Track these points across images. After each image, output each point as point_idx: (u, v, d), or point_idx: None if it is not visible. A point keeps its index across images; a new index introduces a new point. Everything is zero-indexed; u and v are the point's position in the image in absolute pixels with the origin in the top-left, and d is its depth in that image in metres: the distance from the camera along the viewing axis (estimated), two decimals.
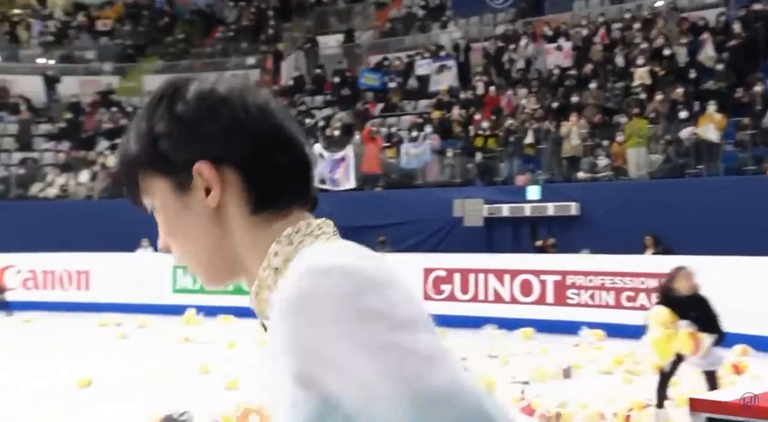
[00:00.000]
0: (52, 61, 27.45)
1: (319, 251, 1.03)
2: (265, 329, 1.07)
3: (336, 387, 0.92)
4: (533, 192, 16.32)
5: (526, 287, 13.87)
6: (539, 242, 14.70)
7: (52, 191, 21.86)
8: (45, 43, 28.27)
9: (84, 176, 21.99)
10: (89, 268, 18.21)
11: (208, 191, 1.08)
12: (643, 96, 17.07)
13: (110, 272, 17.85)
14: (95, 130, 24.22)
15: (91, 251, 18.12)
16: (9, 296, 16.68)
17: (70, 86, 26.15)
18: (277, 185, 1.11)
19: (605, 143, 16.68)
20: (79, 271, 18.30)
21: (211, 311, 15.08)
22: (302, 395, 0.95)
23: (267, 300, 1.06)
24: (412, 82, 22.06)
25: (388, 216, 17.52)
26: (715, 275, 12.08)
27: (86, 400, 8.07)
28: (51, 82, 26.25)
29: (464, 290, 14.47)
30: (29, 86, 26.00)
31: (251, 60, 26.27)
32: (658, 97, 16.58)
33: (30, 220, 20.10)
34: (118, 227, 19.33)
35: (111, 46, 28.19)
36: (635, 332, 12.22)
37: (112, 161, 21.83)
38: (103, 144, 23.31)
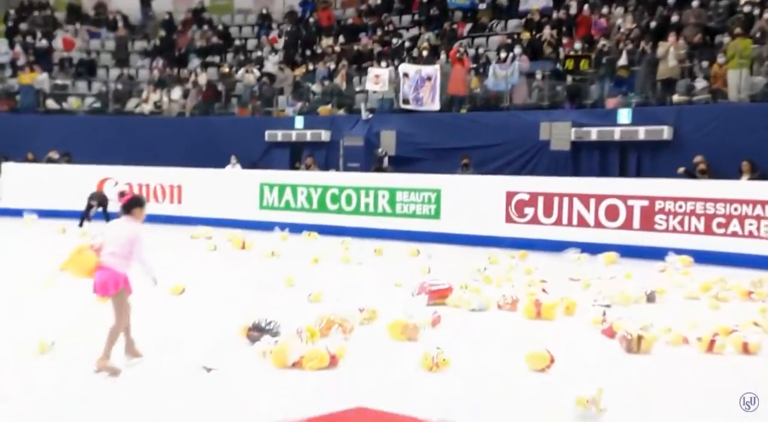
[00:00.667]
0: None
1: None
2: None
3: None
4: (624, 115, 15.83)
5: (611, 212, 13.58)
6: (681, 169, 13.97)
7: (147, 107, 22.35)
8: None
9: (176, 92, 22.37)
10: (181, 182, 18.67)
11: None
12: (749, 14, 16.21)
13: (201, 187, 18.28)
14: (188, 47, 24.50)
15: (183, 166, 18.56)
16: (110, 208, 17.22)
17: (164, 4, 26.42)
18: None
19: (704, 64, 15.98)
20: (171, 185, 18.79)
21: (296, 228, 15.33)
22: None
23: None
24: (502, 2, 21.44)
25: (473, 139, 17.32)
26: None
27: (178, 307, 8.33)
28: None
29: (547, 214, 14.27)
30: (126, 3, 26.41)
31: None
32: (766, 15, 15.71)
33: (126, 134, 20.70)
34: (209, 143, 19.76)
35: None
36: (725, 259, 11.97)
37: (203, 78, 22.12)
38: (195, 62, 23.60)
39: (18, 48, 24.08)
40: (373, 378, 5.75)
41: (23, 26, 25.19)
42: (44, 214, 17.52)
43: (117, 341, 5.88)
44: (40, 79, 22.68)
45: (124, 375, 5.63)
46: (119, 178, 19.00)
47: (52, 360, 5.98)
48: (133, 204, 6.52)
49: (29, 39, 24.56)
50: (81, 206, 17.27)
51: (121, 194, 6.82)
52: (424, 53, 19.68)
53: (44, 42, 24.44)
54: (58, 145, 20.37)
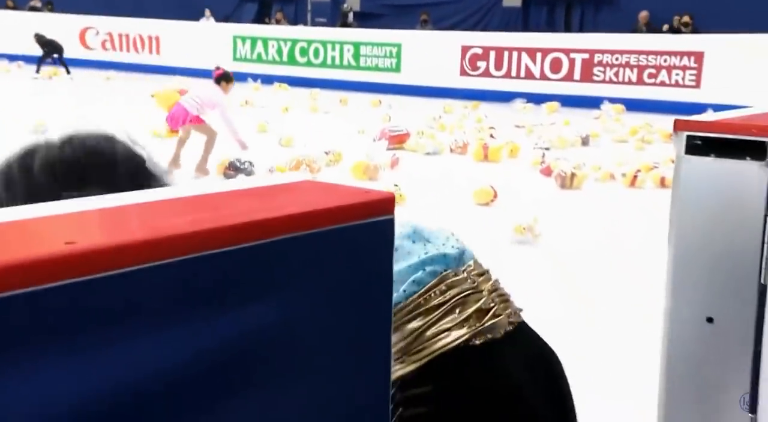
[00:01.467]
0: None
1: None
2: None
3: None
4: None
5: (555, 65, 13.57)
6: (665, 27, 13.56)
7: None
8: None
9: None
10: (159, 34, 18.11)
11: None
12: None
13: (178, 39, 17.77)
14: None
15: (161, 18, 17.96)
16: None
17: None
18: None
19: None
20: (150, 36, 18.23)
21: (267, 80, 15.11)
22: None
23: None
24: None
25: None
26: (734, 54, 11.75)
27: (160, 148, 8.34)
28: None
29: (498, 67, 14.22)
30: None
31: None
32: None
33: None
34: None
35: None
36: (653, 106, 12.15)
37: None
38: None
39: None
40: None
41: None
42: (28, 60, 16.99)
43: (211, 152, 6.87)
44: None
45: None
46: (100, 28, 18.37)
47: None
48: (222, 78, 7.23)
49: None
50: (66, 53, 16.70)
51: (216, 68, 7.19)
52: None
53: None
54: None
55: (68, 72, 16.07)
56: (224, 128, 7.15)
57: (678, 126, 1.25)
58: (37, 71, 15.91)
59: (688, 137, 1.25)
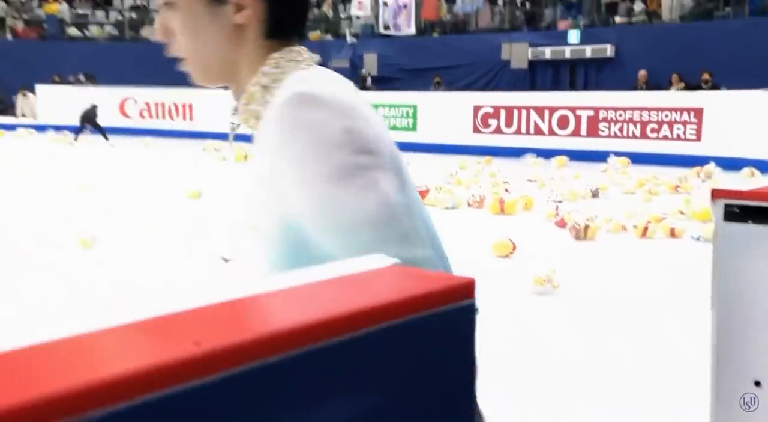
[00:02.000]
0: None
1: (302, 76, 1.05)
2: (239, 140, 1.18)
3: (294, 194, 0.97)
4: (573, 36, 15.70)
5: (562, 121, 13.63)
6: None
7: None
8: None
9: None
10: (193, 102, 18.42)
11: (237, 8, 1.07)
12: None
13: (209, 106, 18.04)
14: None
15: (194, 87, 18.24)
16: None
17: None
18: (288, 18, 1.11)
19: None
20: (184, 104, 18.55)
21: None
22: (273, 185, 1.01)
23: (253, 111, 1.08)
24: None
25: (444, 59, 17.14)
26: (731, 110, 11.75)
27: (195, 208, 8.38)
28: None
29: (508, 124, 14.30)
30: None
31: None
32: None
33: (142, 58, 20.25)
34: None
35: None
36: (657, 159, 12.13)
37: None
38: None
39: None
40: None
41: None
42: (73, 129, 17.31)
43: None
44: (63, 9, 21.99)
45: (155, 263, 5.73)
46: (138, 98, 18.72)
47: (94, 254, 6.06)
48: None
49: None
50: (108, 121, 17.01)
51: None
52: None
53: None
54: (82, 69, 19.94)
55: (106, 139, 16.33)
56: None
57: (715, 195, 1.23)
58: (75, 139, 16.17)
59: (726, 205, 1.22)
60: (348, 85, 1.09)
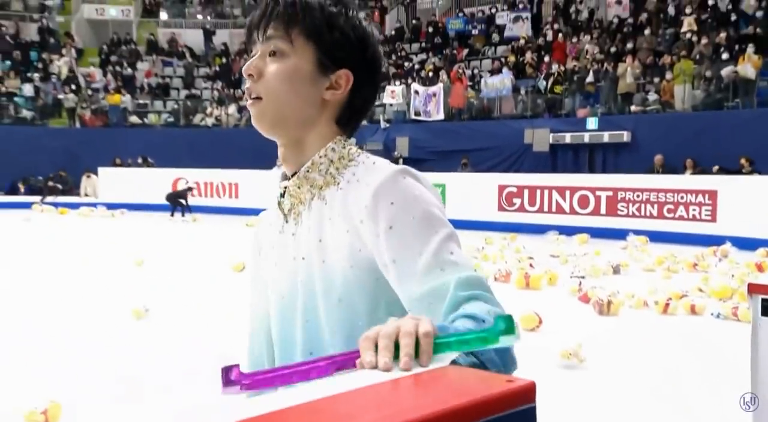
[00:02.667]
0: (209, 17, 27.78)
1: (382, 160, 1.13)
2: (283, 210, 1.19)
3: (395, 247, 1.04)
4: (591, 123, 15.80)
5: (583, 201, 13.57)
6: (715, 168, 13.14)
7: (210, 121, 22.42)
8: (204, 3, 28.57)
9: (233, 108, 22.43)
10: (238, 181, 18.76)
11: (331, 86, 1.14)
12: (690, 40, 16.11)
13: (254, 185, 18.35)
14: (240, 72, 24.48)
15: (239, 169, 18.65)
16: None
17: (222, 37, 26.49)
18: (359, 111, 1.19)
19: (656, 80, 15.90)
20: (230, 183, 18.89)
21: None
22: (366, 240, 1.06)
23: (311, 178, 1.13)
24: (493, 31, 21.38)
25: (471, 142, 17.30)
26: (745, 192, 11.61)
27: (240, 282, 8.40)
28: (208, 34, 26.64)
29: (531, 203, 14.27)
30: (192, 38, 26.48)
31: (361, 14, 25.80)
32: (704, 41, 15.60)
33: (194, 143, 20.83)
34: (260, 149, 19.78)
35: (253, 5, 28.25)
36: (675, 238, 11.94)
37: None
38: (247, 83, 23.58)
39: (109, 76, 24.22)
40: None
41: (113, 58, 25.33)
42: (132, 207, 17.70)
43: None
44: (126, 99, 22.82)
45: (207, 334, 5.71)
46: (189, 178, 19.14)
47: (147, 324, 6.08)
48: None
49: (118, 68, 24.69)
50: (159, 199, 17.36)
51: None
52: (430, 74, 19.65)
53: (129, 70, 24.56)
54: (141, 152, 20.53)
55: (183, 214, 16.83)
56: None
57: (752, 290, 1.20)
58: (172, 215, 16.78)
59: (763, 299, 1.19)
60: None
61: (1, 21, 25.08)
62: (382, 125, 19.05)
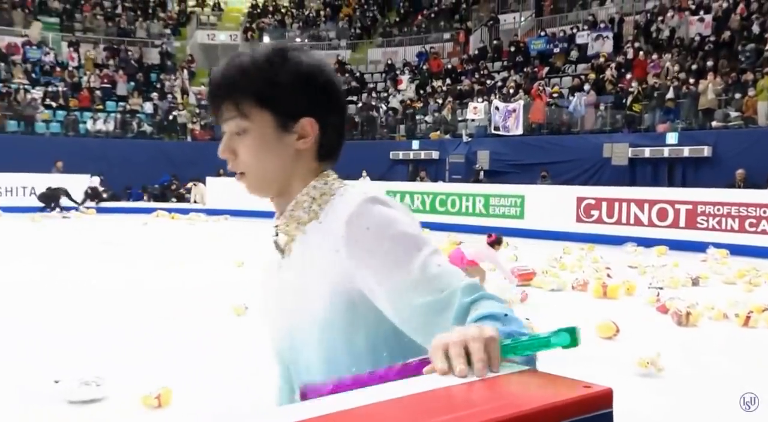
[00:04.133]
0: (306, 40, 28.49)
1: (359, 188, 1.11)
2: (279, 246, 1.16)
3: (368, 272, 1.01)
4: (671, 138, 15.15)
5: (662, 214, 13.00)
6: None
7: None
8: (302, 27, 29.32)
9: None
10: None
11: (299, 137, 1.11)
12: None
13: None
14: None
15: None
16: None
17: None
18: (335, 144, 1.17)
19: (737, 96, 15.08)
20: None
21: None
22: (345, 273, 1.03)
23: (296, 217, 1.13)
24: (573, 50, 20.88)
25: (550, 156, 16.96)
26: None
27: None
28: None
29: (610, 215, 13.81)
30: None
31: (447, 35, 25.88)
32: None
33: None
34: (349, 162, 20.10)
35: (345, 28, 28.80)
36: (756, 252, 11.25)
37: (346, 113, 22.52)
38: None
39: None
40: None
41: None
42: (234, 213, 18.29)
43: None
44: None
45: None
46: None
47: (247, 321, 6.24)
48: (495, 242, 7.65)
49: None
50: (259, 206, 17.83)
51: (489, 235, 7.72)
52: (511, 91, 19.40)
53: None
54: None
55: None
56: (501, 271, 7.54)
57: None
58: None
59: None
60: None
61: (129, 47, 26.58)
62: (464, 138, 18.96)
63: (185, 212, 18.94)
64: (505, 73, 21.69)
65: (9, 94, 21.67)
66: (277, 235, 1.17)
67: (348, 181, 1.20)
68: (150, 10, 29.32)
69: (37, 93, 22.46)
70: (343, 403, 0.64)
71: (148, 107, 23.85)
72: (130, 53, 26.25)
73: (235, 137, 1.11)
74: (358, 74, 25.74)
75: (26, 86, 22.49)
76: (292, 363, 1.16)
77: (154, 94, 24.36)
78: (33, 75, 23.42)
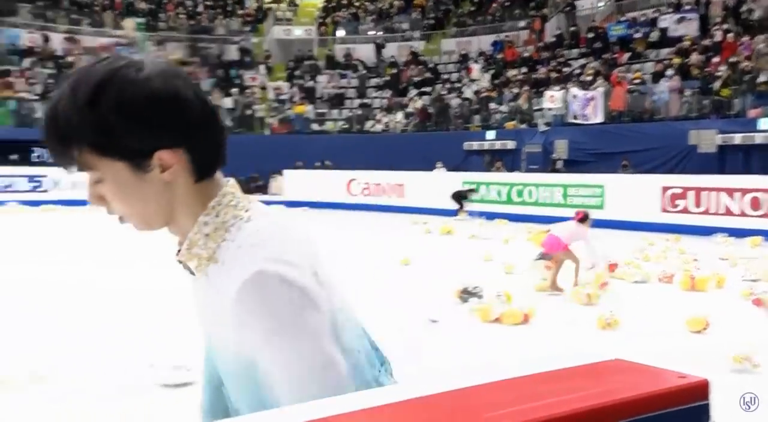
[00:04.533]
0: (380, 33, 28.58)
1: (253, 234, 0.99)
2: (190, 271, 1.05)
3: (263, 360, 0.95)
4: (765, 123, 14.29)
5: (755, 203, 12.29)
6: None
7: (379, 127, 23.07)
8: (375, 20, 29.43)
9: (400, 115, 22.92)
10: (404, 182, 19.12)
11: (162, 169, 0.99)
12: None
13: (418, 185, 18.63)
14: (407, 82, 25.02)
15: (405, 170, 19.00)
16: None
17: (391, 50, 27.12)
18: (211, 160, 1.04)
19: None
20: (396, 184, 19.30)
21: (490, 216, 15.28)
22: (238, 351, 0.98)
23: (196, 254, 1.02)
24: (655, 33, 20.00)
25: (632, 144, 16.35)
26: None
27: (406, 274, 8.55)
28: (379, 47, 27.41)
29: (697, 205, 13.17)
30: (364, 52, 27.39)
31: (522, 23, 25.33)
32: None
33: (365, 147, 21.51)
34: (422, 152, 20.10)
35: (419, 19, 28.67)
36: None
37: (419, 104, 22.48)
38: (413, 92, 24.03)
39: (294, 88, 25.73)
40: (557, 333, 5.62)
41: (297, 72, 26.83)
42: (312, 205, 18.63)
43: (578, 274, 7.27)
44: (308, 109, 24.12)
45: None
46: (361, 179, 19.80)
47: None
48: (584, 219, 7.60)
49: (301, 81, 26.14)
50: (337, 198, 18.04)
51: (577, 213, 7.73)
52: (589, 78, 18.80)
53: (311, 82, 25.91)
54: (320, 156, 21.60)
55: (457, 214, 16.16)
56: (587, 254, 7.45)
57: None
58: (458, 214, 16.06)
59: None
60: (286, 216, 1.07)
61: (209, 44, 27.48)
62: (541, 128, 18.55)
63: (267, 204, 19.42)
64: (582, 61, 21.04)
65: None
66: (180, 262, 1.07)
67: (254, 196, 1.11)
68: (229, 8, 30.15)
69: None
70: (446, 385, 0.63)
71: (228, 103, 24.59)
72: (210, 50, 27.12)
73: (96, 184, 1.01)
74: (431, 65, 25.61)
75: None
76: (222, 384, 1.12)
77: (234, 90, 25.08)
78: None
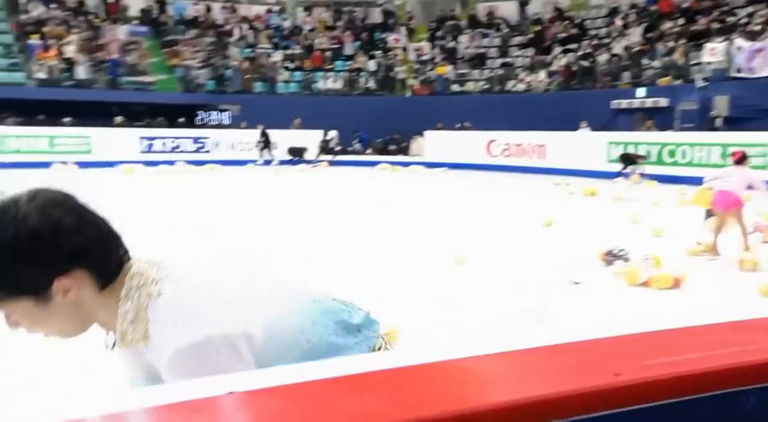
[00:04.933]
0: None
1: (171, 322, 1.02)
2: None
3: None
4: None
5: None
6: None
7: (521, 86, 22.43)
8: None
9: (543, 74, 22.12)
10: (545, 143, 18.57)
11: (65, 293, 1.03)
12: None
13: (560, 146, 18.01)
14: (552, 39, 23.99)
15: (547, 130, 18.42)
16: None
17: (535, 7, 26.07)
18: (110, 263, 1.06)
19: None
20: (538, 145, 18.79)
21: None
22: None
23: (131, 340, 1.05)
24: None
25: None
26: None
27: (549, 236, 8.39)
28: (522, 5, 26.45)
29: None
30: (507, 9, 26.55)
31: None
32: None
33: (506, 107, 21.07)
34: (566, 112, 19.33)
35: None
36: None
37: (563, 62, 21.53)
38: (557, 50, 23.05)
39: (436, 49, 25.59)
40: (712, 298, 5.32)
41: (439, 33, 26.62)
42: (452, 166, 18.66)
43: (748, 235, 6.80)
44: (449, 70, 23.92)
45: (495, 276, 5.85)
46: (501, 140, 19.47)
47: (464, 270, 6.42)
48: (742, 159, 7.08)
49: (443, 42, 25.92)
50: (477, 159, 17.92)
51: (733, 154, 7.39)
52: (757, 28, 16.97)
53: (452, 43, 25.63)
54: (460, 118, 21.46)
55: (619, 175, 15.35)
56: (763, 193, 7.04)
57: None
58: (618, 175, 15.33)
59: None
60: (204, 259, 1.13)
61: (354, 8, 27.94)
62: (699, 83, 17.12)
63: (406, 164, 19.73)
64: (750, 8, 18.98)
65: (255, 58, 24.12)
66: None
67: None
68: None
69: (278, 56, 24.71)
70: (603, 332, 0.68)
71: (372, 65, 24.97)
72: (355, 14, 27.56)
73: (10, 315, 1.05)
74: (577, 21, 24.32)
75: (269, 50, 24.86)
76: None
77: (377, 52, 25.40)
78: (274, 40, 25.75)
